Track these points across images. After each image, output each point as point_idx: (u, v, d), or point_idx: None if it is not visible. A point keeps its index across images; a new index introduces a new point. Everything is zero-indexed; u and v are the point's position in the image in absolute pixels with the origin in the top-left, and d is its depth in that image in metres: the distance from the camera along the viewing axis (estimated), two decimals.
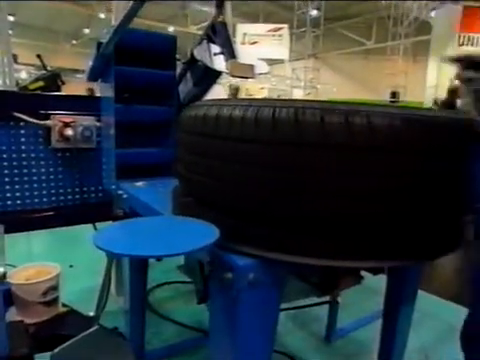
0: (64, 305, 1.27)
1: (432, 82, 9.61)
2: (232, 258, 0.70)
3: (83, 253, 2.37)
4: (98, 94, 1.85)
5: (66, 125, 1.62)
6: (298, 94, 14.87)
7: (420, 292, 1.24)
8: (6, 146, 1.61)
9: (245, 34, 13.52)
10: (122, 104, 1.37)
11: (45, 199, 1.73)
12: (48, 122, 1.63)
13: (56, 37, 18.30)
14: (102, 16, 14.45)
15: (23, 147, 1.64)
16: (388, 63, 13.80)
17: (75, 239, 2.67)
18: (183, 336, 1.66)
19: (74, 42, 19.12)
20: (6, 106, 1.58)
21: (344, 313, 1.70)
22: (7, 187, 1.64)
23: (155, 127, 1.55)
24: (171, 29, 15.83)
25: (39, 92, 2.21)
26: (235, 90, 5.77)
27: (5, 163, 1.61)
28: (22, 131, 1.63)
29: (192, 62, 1.46)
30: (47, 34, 17.83)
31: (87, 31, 17.81)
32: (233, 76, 1.09)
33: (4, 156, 1.61)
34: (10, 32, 6.44)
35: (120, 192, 1.32)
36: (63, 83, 4.08)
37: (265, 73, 1.38)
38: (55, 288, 1.22)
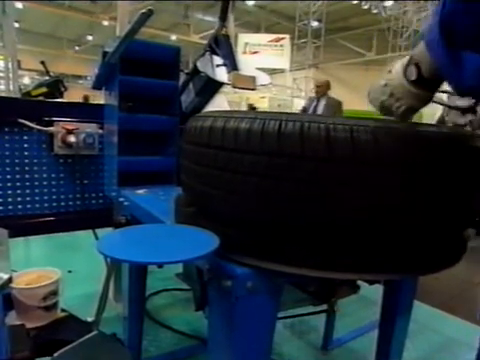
0: (63, 310, 1.28)
1: None
2: (231, 266, 0.71)
3: (81, 259, 2.39)
4: (93, 101, 1.88)
5: (69, 132, 1.64)
6: (299, 104, 14.97)
7: (418, 303, 1.25)
8: (10, 151, 1.63)
9: (247, 44, 13.67)
10: (125, 112, 1.39)
11: (46, 205, 1.74)
12: (51, 129, 1.65)
13: (59, 43, 18.47)
14: (105, 23, 14.61)
15: (26, 153, 1.66)
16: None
17: (73, 245, 2.69)
18: (180, 344, 1.67)
19: (77, 48, 19.28)
20: (11, 113, 1.60)
21: (341, 323, 1.71)
22: (9, 192, 1.66)
23: (157, 135, 1.58)
24: (173, 37, 15.99)
25: (43, 99, 2.24)
26: (324, 85, 4.80)
27: (8, 168, 1.63)
28: (25, 137, 1.65)
29: (194, 73, 1.50)
30: (50, 40, 18.00)
31: (90, 38, 17.98)
32: (235, 87, 1.11)
33: (7, 161, 1.63)
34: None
35: (121, 199, 1.34)
36: (65, 89, 4.12)
37: (266, 84, 1.40)
38: (55, 293, 1.23)
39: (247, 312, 0.73)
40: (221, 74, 1.25)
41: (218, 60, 1.30)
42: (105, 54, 1.35)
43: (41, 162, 1.70)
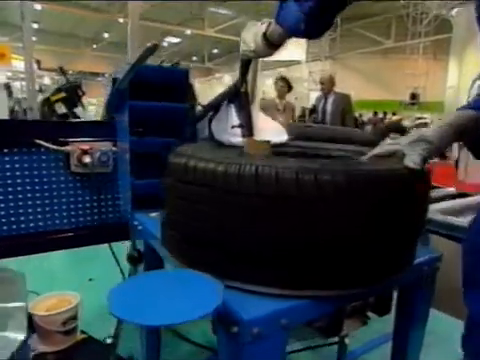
0: (82, 332, 1.33)
1: (453, 82, 9.40)
2: (237, 312, 0.73)
3: (101, 267, 2.46)
4: None
5: (84, 152, 1.68)
6: (315, 96, 14.74)
7: (434, 312, 1.20)
8: (29, 171, 1.69)
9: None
10: (136, 136, 1.42)
11: (65, 220, 1.80)
12: (67, 148, 1.70)
13: (77, 42, 18.77)
14: (121, 21, 14.72)
15: (45, 172, 1.72)
16: (408, 62, 13.53)
17: (93, 254, 2.75)
18: (198, 356, 1.70)
19: (94, 46, 19.55)
20: (28, 134, 1.66)
21: (354, 335, 1.70)
22: (30, 210, 1.72)
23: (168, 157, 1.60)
24: (188, 32, 15.97)
25: (58, 120, 2.30)
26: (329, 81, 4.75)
27: (29, 187, 1.69)
28: (44, 157, 1.70)
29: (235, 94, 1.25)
30: (69, 39, 18.31)
31: (106, 35, 18.18)
32: (248, 153, 1.06)
33: (27, 180, 1.69)
34: (34, 39, 6.68)
35: (135, 223, 1.37)
36: (83, 93, 4.19)
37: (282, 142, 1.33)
38: (74, 318, 1.28)
39: (255, 357, 0.75)
40: (235, 135, 1.20)
41: (235, 119, 1.24)
42: (115, 81, 1.37)
43: (59, 180, 1.76)
